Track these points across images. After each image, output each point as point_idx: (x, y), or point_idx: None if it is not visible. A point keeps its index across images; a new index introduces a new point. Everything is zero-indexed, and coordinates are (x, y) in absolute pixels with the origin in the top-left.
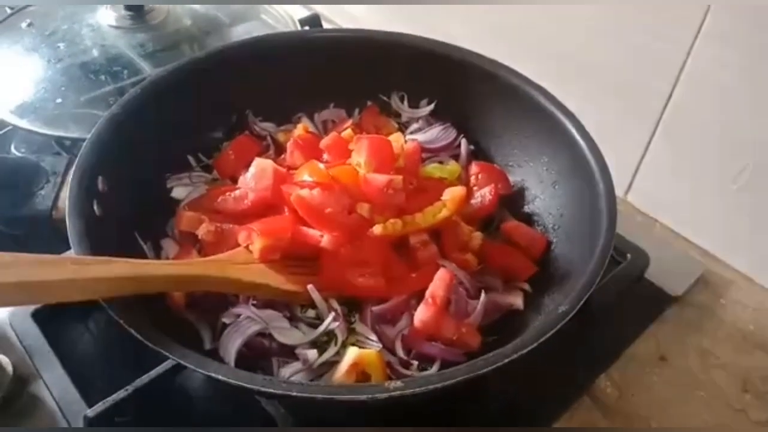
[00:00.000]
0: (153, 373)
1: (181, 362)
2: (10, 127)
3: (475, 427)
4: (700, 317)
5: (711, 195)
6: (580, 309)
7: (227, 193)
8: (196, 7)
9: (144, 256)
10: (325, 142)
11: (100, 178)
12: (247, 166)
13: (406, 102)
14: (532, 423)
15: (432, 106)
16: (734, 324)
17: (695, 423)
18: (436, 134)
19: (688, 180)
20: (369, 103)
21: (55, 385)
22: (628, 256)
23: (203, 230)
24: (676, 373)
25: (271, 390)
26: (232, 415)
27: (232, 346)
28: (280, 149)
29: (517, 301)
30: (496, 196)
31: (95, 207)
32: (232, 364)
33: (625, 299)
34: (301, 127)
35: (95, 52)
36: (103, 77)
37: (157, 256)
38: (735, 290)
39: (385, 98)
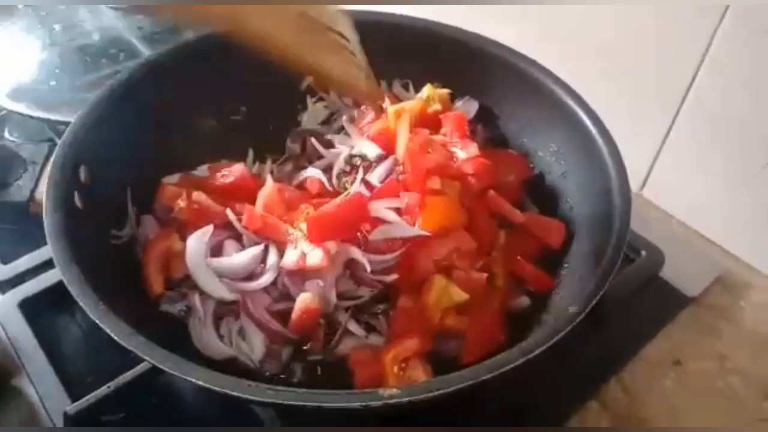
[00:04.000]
0: (136, 370)
1: (161, 367)
2: (4, 112)
3: (476, 427)
4: (717, 320)
5: (731, 191)
6: (591, 308)
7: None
8: None
9: (130, 245)
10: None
11: (82, 168)
12: None
13: (411, 89)
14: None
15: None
16: (754, 328)
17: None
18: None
19: (708, 175)
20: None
21: (38, 378)
22: (643, 253)
23: (179, 206)
24: (692, 379)
25: (258, 398)
26: (219, 412)
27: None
28: None
29: (525, 301)
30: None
31: (76, 199)
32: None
33: (638, 299)
34: None
35: (93, 34)
36: (99, 60)
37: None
38: (755, 292)
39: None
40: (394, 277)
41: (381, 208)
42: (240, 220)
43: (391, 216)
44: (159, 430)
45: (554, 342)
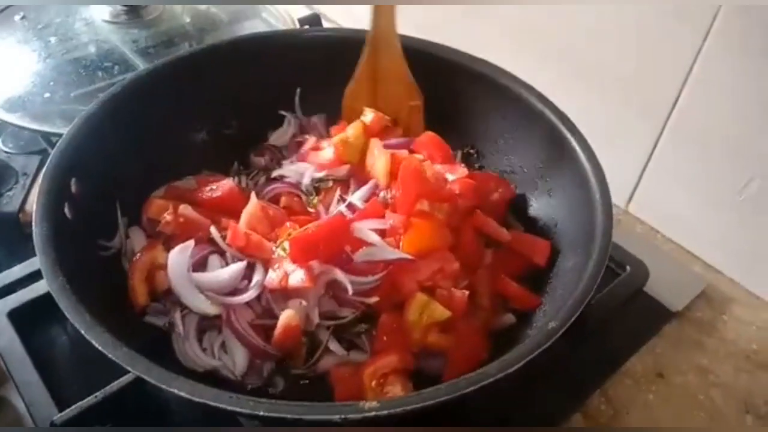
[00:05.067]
0: (123, 380)
1: (143, 377)
2: None
3: (472, 427)
4: (700, 334)
5: (715, 207)
6: (574, 322)
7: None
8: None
9: (118, 256)
10: None
11: (73, 180)
12: None
13: None
14: None
15: None
16: (736, 342)
17: None
18: None
19: (692, 191)
20: None
21: (26, 388)
22: (628, 268)
23: (165, 219)
24: (674, 392)
25: (239, 409)
26: (206, 423)
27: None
28: None
29: (509, 318)
30: (505, 202)
31: (66, 209)
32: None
33: (623, 313)
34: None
35: (88, 47)
36: (94, 72)
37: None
38: (738, 307)
39: None
40: (375, 299)
41: (364, 229)
42: (224, 237)
43: (374, 238)
44: (160, 429)
45: (532, 357)
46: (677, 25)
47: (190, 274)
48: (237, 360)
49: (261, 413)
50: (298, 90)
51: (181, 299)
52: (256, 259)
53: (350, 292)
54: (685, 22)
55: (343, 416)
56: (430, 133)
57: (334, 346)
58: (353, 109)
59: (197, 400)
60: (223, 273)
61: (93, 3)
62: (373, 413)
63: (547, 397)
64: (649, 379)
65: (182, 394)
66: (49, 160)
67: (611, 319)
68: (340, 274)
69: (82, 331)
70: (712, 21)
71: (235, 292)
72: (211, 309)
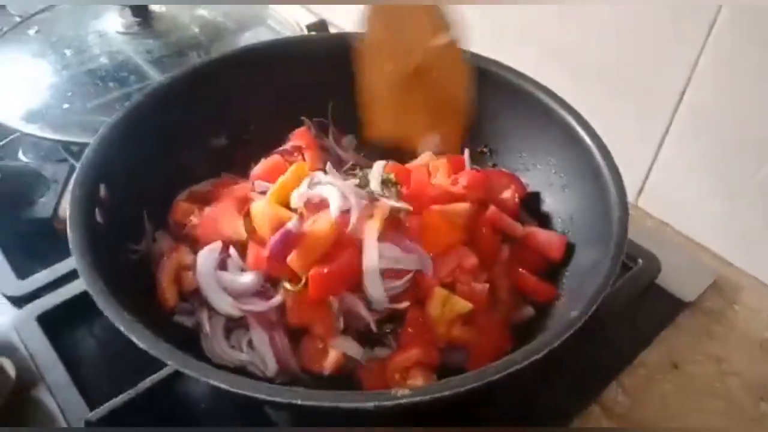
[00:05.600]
0: (155, 377)
1: (183, 370)
2: (17, 134)
3: (477, 427)
4: (713, 324)
5: (724, 198)
6: (590, 315)
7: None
8: (204, 14)
9: (146, 258)
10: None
11: (102, 186)
12: None
13: None
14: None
15: None
16: (748, 331)
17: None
18: None
19: (701, 183)
20: None
21: (58, 389)
22: (639, 261)
23: (191, 221)
24: (689, 381)
25: (276, 398)
26: (234, 419)
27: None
28: None
29: (529, 311)
30: (518, 198)
31: (97, 214)
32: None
33: (636, 305)
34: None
35: (102, 59)
36: (109, 83)
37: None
38: (749, 296)
39: None
40: (406, 304)
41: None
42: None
43: (395, 254)
44: (171, 430)
45: (556, 345)
46: (682, 17)
47: (217, 274)
48: (268, 362)
49: (298, 402)
50: (331, 103)
51: (208, 300)
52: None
53: (373, 327)
54: (690, 15)
55: (377, 403)
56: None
57: (353, 351)
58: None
59: (236, 390)
60: (245, 277)
61: (104, 2)
62: (405, 400)
63: (564, 389)
64: (665, 370)
65: (221, 385)
66: (78, 167)
67: (625, 311)
68: (360, 306)
69: (122, 329)
70: (716, 13)
71: (259, 294)
72: (235, 311)
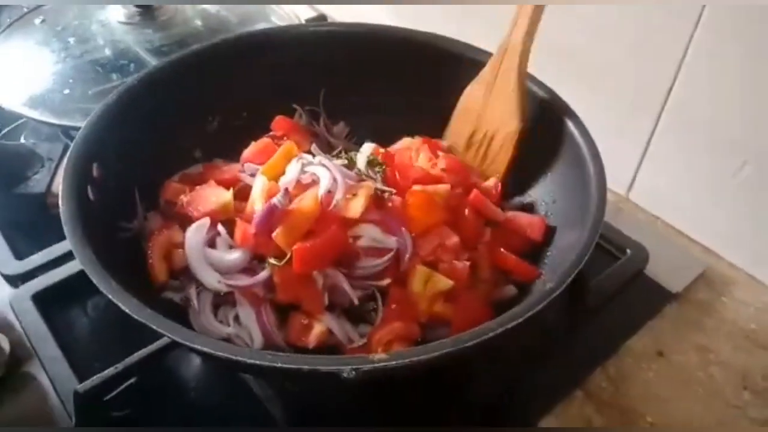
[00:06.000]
0: (143, 351)
1: (169, 335)
2: (23, 120)
3: (474, 426)
4: (700, 315)
5: (712, 191)
6: (577, 301)
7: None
8: (207, 7)
9: (137, 238)
10: None
11: (94, 165)
12: None
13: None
14: (522, 414)
15: None
16: (735, 322)
17: (692, 419)
18: None
19: (690, 176)
20: None
21: (49, 363)
22: (628, 251)
23: (182, 200)
24: (674, 369)
25: (258, 361)
26: (223, 401)
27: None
28: None
29: (510, 290)
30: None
31: (89, 191)
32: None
33: (624, 295)
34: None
35: (104, 48)
36: (110, 71)
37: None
38: (737, 288)
39: None
40: (387, 281)
41: (367, 231)
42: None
43: (376, 234)
44: (170, 429)
45: (531, 315)
46: (667, 14)
47: (206, 251)
48: (254, 336)
49: (279, 365)
50: (323, 90)
51: (196, 275)
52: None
53: (355, 301)
54: (675, 12)
55: (354, 366)
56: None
57: (337, 330)
58: (468, 110)
59: (218, 353)
60: (232, 255)
61: (111, 3)
62: (382, 364)
63: (549, 373)
64: (650, 358)
65: (205, 349)
66: (72, 146)
67: (612, 300)
68: (343, 281)
69: (109, 296)
70: (701, 11)
71: (246, 270)
72: (222, 287)
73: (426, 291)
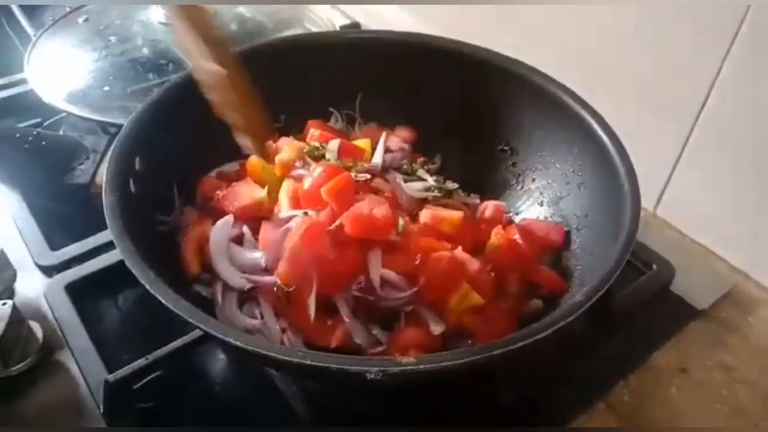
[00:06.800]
0: (174, 344)
1: (200, 326)
2: (63, 114)
3: (483, 426)
4: (725, 333)
5: (743, 210)
6: (601, 314)
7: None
8: (243, 12)
9: (173, 231)
10: None
11: (137, 159)
12: None
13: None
14: (544, 424)
15: None
16: (761, 343)
17: None
18: None
19: (719, 194)
20: None
21: (80, 354)
22: (654, 266)
23: (218, 196)
24: (697, 386)
25: (288, 358)
26: (248, 396)
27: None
28: None
29: (537, 303)
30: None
31: (131, 184)
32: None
33: (649, 310)
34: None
35: (143, 47)
36: (148, 71)
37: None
38: (764, 308)
39: None
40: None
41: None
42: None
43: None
44: (176, 430)
45: (559, 327)
46: (702, 29)
47: (230, 247)
48: (274, 333)
49: (308, 362)
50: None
51: (217, 271)
52: None
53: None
54: (710, 27)
55: (381, 368)
56: None
57: (359, 337)
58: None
59: (249, 348)
60: (254, 253)
61: (149, 3)
62: (410, 367)
63: (572, 385)
64: (673, 374)
65: (237, 343)
66: (116, 139)
67: (637, 314)
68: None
69: (147, 287)
70: (739, 24)
71: (267, 270)
72: (243, 283)
73: (459, 305)
